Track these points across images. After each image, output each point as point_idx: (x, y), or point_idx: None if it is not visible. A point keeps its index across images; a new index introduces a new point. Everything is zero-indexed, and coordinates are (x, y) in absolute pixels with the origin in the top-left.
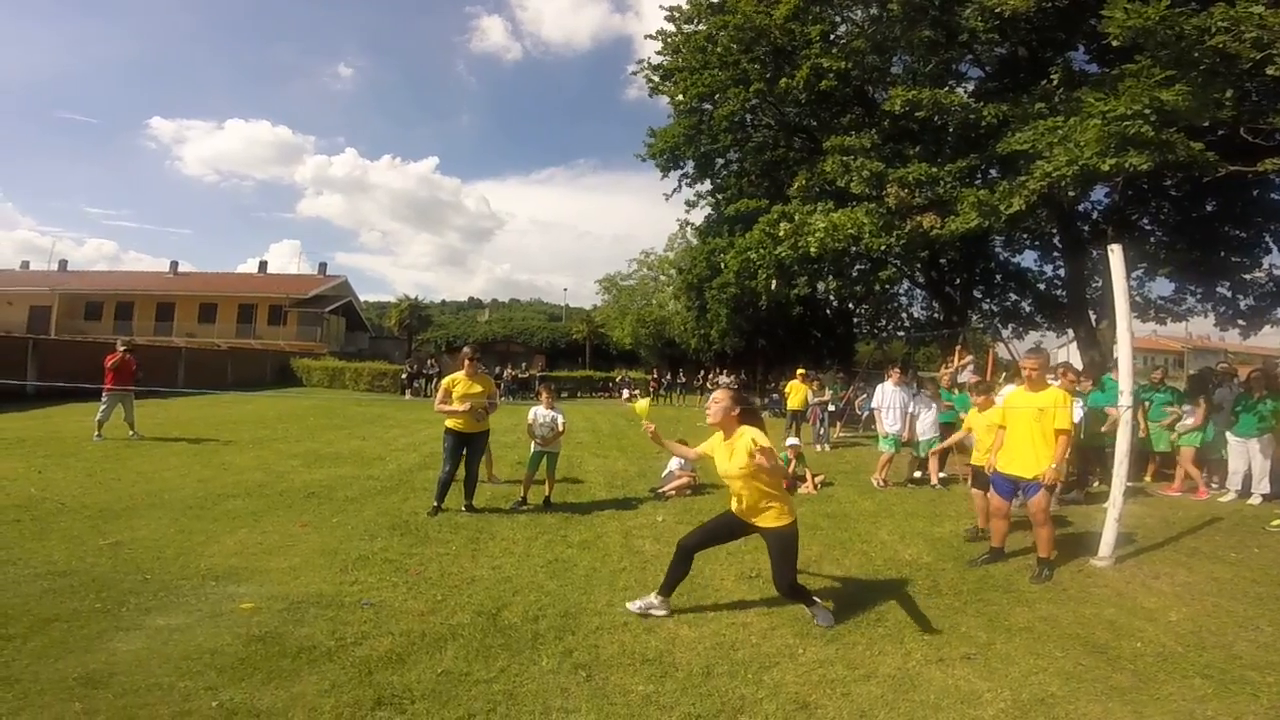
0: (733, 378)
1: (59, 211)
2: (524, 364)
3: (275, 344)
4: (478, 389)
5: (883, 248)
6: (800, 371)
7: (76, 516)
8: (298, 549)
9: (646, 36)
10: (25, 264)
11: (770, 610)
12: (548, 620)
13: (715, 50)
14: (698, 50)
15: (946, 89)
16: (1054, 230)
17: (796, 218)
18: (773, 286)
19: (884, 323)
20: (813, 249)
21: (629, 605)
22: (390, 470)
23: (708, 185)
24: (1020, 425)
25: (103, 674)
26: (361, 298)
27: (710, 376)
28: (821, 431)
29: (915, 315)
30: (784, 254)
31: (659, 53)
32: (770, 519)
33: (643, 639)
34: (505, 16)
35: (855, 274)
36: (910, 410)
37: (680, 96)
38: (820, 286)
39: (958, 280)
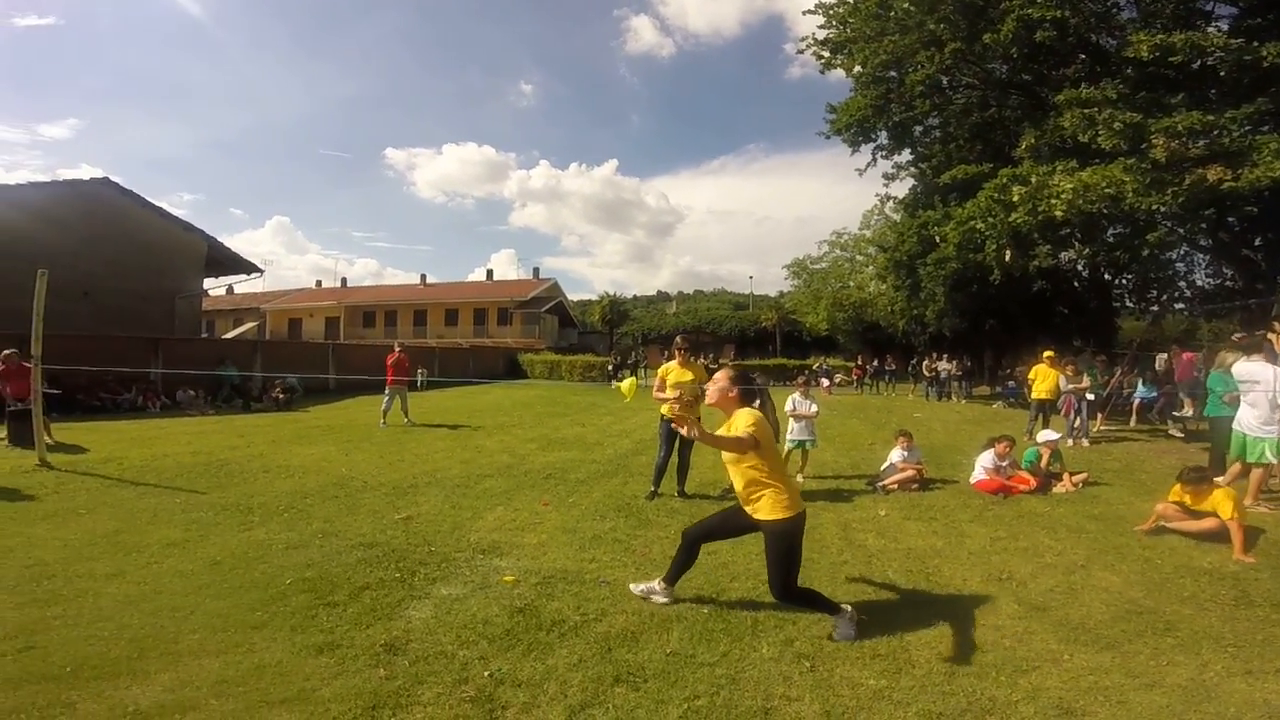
0: (954, 363)
1: (335, 236)
2: (713, 354)
3: (504, 341)
4: (689, 377)
5: (1153, 207)
6: (1048, 354)
7: (376, 493)
8: (543, 526)
9: (804, 12)
10: (318, 283)
11: (1027, 614)
12: (766, 608)
13: (892, 16)
14: (871, 18)
15: (1198, 30)
16: None
17: (1033, 180)
18: (1006, 258)
19: (1155, 294)
20: (1058, 212)
21: (631, 587)
22: (609, 455)
23: (907, 155)
24: None
25: (401, 641)
26: (569, 297)
27: (927, 362)
28: (1078, 424)
29: (1200, 284)
30: (1020, 221)
31: (821, 27)
32: (763, 510)
33: (873, 633)
34: (651, 15)
35: (1112, 239)
36: None
37: (859, 68)
38: (1064, 256)
39: (1258, 240)
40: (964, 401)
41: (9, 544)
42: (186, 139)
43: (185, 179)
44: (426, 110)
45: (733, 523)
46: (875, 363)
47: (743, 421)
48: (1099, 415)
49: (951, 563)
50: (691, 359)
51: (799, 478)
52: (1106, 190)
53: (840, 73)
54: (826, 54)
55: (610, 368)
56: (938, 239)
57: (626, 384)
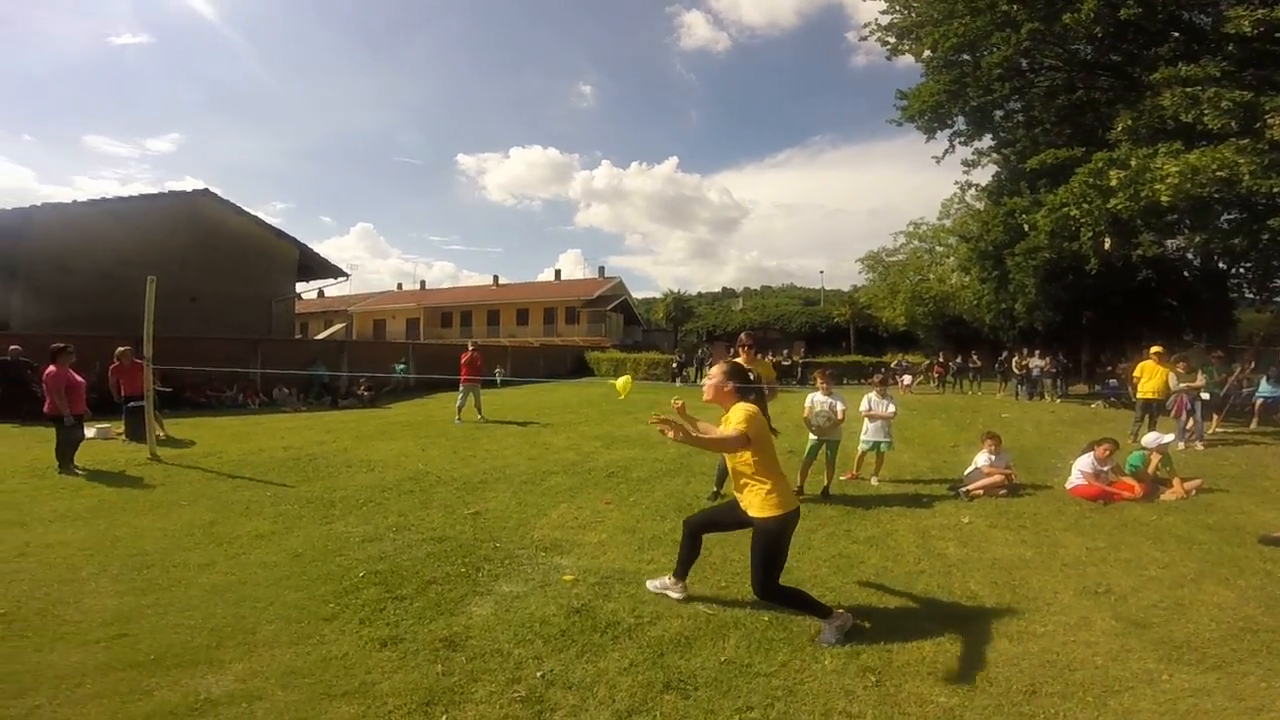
0: (1048, 359)
1: (414, 241)
2: (784, 350)
3: (572, 340)
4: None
5: (1274, 190)
6: (1155, 350)
7: (449, 488)
8: (604, 525)
9: None
10: (399, 285)
11: (1125, 630)
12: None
13: None
14: (937, 1)
15: None
16: None
17: (1133, 163)
18: (1105, 246)
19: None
20: (1164, 198)
21: (648, 584)
22: (672, 453)
23: (988, 141)
24: None
25: (461, 637)
26: (633, 295)
27: (1018, 359)
28: (1190, 425)
29: None
30: (1120, 206)
31: (885, 12)
32: (753, 507)
33: (948, 648)
34: (703, 9)
35: (1226, 225)
36: None
37: (928, 52)
38: (1172, 243)
39: None
40: (1059, 401)
41: (118, 533)
42: (276, 149)
43: (278, 188)
44: (492, 115)
45: (732, 515)
46: (959, 359)
47: (736, 417)
48: (1215, 416)
49: (1041, 574)
50: (758, 356)
51: (873, 480)
52: (1218, 173)
53: (909, 58)
54: (892, 40)
55: (674, 365)
56: (1027, 227)
57: (621, 381)
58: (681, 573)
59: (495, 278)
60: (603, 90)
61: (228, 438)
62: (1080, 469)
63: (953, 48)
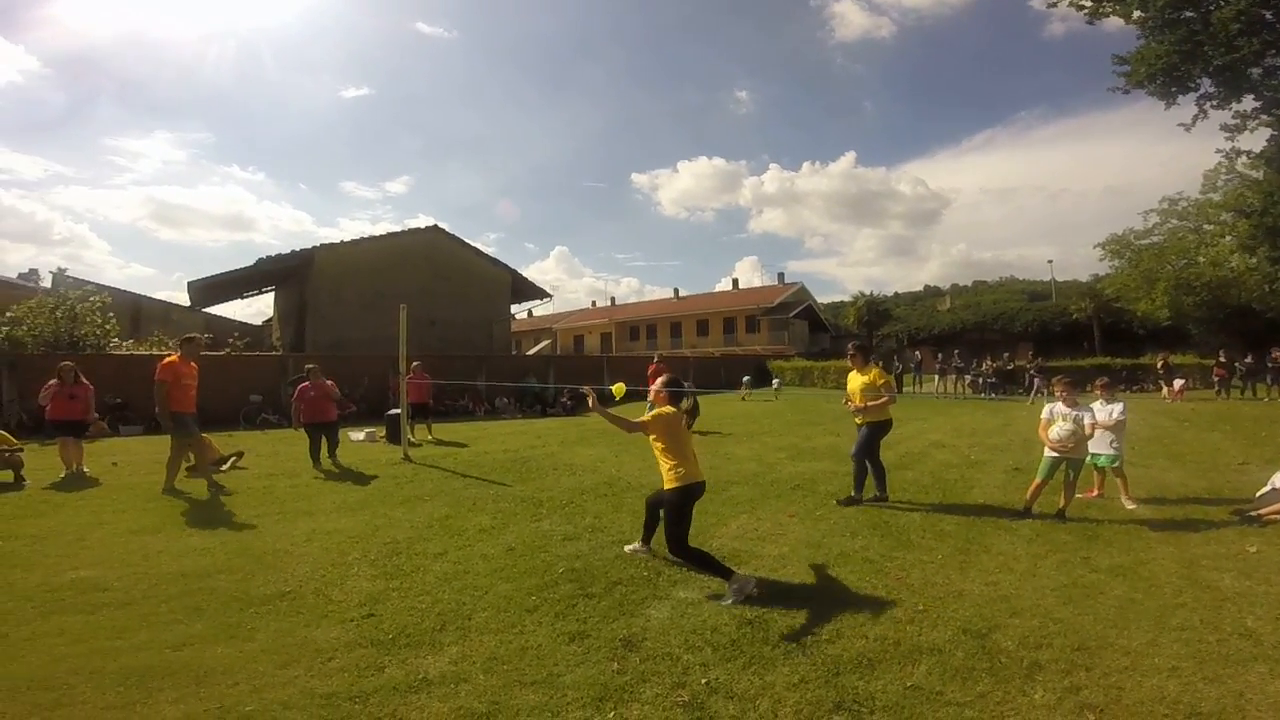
0: None
1: (603, 260)
2: (1006, 354)
3: (753, 349)
4: (861, 381)
5: None
6: None
7: (637, 494)
8: (786, 538)
9: None
10: (593, 303)
11: None
12: (1053, 651)
13: None
14: None
15: None
16: None
17: None
18: None
19: None
20: None
21: (625, 548)
22: None
23: (1250, 102)
24: None
25: (637, 638)
26: (818, 300)
27: None
28: None
29: None
30: None
31: None
32: (664, 481)
33: (1198, 689)
34: None
35: None
36: None
37: (1138, 12)
38: None
39: None
40: None
41: (377, 523)
42: (485, 187)
43: (488, 221)
44: (658, 132)
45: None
46: (1248, 359)
47: (650, 412)
48: None
49: None
50: (866, 363)
51: (1127, 504)
52: None
53: (1117, 20)
54: (1089, 3)
55: None
56: None
57: (616, 386)
58: (646, 539)
59: (675, 290)
60: (759, 94)
61: (461, 441)
62: None
63: (1168, 5)
